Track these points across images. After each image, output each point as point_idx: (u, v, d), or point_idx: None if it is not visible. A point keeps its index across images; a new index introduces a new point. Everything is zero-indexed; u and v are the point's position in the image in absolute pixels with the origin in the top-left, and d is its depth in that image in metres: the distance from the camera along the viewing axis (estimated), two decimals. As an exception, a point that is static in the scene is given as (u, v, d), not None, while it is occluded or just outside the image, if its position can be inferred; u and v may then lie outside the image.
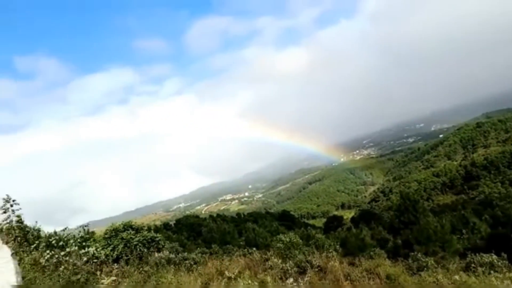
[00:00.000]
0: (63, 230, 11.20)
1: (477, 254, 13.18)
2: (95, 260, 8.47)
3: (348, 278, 8.60)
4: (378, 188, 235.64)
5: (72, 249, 8.55)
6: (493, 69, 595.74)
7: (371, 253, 20.18)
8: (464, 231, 36.29)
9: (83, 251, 8.72)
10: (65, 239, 10.28)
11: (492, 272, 10.29)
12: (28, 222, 11.98)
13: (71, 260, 7.95)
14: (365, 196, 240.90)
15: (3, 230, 11.65)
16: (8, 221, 11.43)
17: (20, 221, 11.51)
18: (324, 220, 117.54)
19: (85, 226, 12.14)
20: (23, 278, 7.54)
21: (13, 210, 11.44)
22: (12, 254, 9.69)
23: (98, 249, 9.59)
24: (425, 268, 11.03)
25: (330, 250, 13.51)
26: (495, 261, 11.99)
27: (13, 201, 11.42)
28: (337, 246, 22.65)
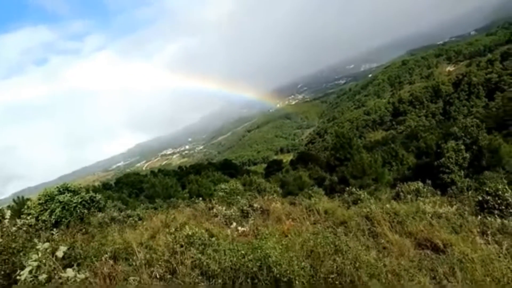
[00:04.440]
0: None
1: (405, 183, 14.39)
2: (24, 228, 7.99)
3: (290, 217, 8.97)
4: (313, 131, 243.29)
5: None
6: (417, 7, 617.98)
7: (310, 191, 21.04)
8: (394, 163, 39.19)
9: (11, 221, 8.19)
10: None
11: (418, 198, 11.29)
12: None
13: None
14: (302, 139, 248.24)
15: None
16: None
17: None
18: (264, 165, 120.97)
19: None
20: None
21: None
22: None
23: (30, 217, 9.10)
24: (360, 201, 11.80)
25: (271, 193, 13.89)
26: (420, 188, 13.22)
27: None
28: (278, 188, 23.49)
